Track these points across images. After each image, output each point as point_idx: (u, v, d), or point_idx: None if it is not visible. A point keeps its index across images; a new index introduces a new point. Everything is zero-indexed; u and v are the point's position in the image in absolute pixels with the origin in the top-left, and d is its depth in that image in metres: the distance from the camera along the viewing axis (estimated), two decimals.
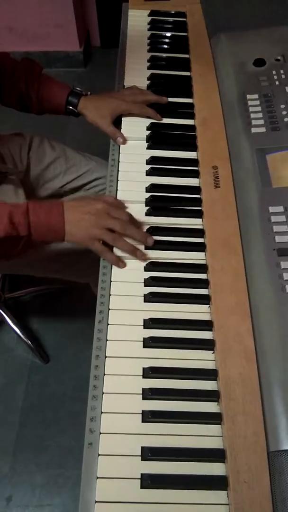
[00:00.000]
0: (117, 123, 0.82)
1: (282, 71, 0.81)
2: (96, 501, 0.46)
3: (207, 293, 0.61)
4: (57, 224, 0.64)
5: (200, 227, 0.68)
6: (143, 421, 0.50)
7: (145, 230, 0.67)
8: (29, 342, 1.30)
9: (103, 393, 0.52)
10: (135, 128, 0.81)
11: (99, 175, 1.01)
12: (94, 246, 0.64)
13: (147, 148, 0.79)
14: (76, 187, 1.01)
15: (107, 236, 0.64)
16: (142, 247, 0.65)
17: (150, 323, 0.58)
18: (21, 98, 0.87)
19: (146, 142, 0.80)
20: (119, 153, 0.78)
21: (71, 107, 0.85)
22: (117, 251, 0.65)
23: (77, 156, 1.01)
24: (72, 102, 0.84)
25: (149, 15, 1.03)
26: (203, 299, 0.60)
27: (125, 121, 0.82)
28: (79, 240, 0.65)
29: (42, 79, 0.86)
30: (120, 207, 0.69)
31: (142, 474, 0.47)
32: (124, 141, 0.79)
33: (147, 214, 0.69)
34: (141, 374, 0.54)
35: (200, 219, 0.69)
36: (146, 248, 0.65)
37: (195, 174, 0.74)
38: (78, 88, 0.85)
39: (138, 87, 0.86)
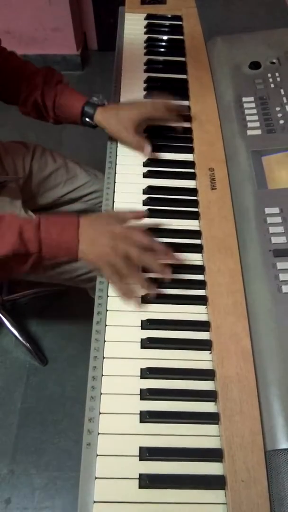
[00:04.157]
0: None
1: (277, 74, 0.82)
2: (94, 501, 0.46)
3: (204, 294, 0.61)
4: (69, 242, 0.60)
5: (197, 228, 0.68)
6: (141, 421, 0.51)
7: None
8: (28, 344, 1.30)
9: (101, 394, 0.52)
10: None
11: (98, 187, 1.02)
12: (104, 271, 0.61)
13: None
14: (75, 197, 1.02)
15: (120, 266, 0.59)
16: None
17: (147, 324, 0.58)
18: (37, 106, 0.85)
19: None
20: (116, 155, 0.78)
21: (87, 119, 0.81)
22: None
23: (78, 168, 1.02)
24: (87, 113, 0.80)
25: (145, 19, 1.04)
26: (200, 300, 0.61)
27: None
28: (92, 261, 0.61)
29: (60, 88, 0.83)
30: (140, 228, 0.64)
31: (140, 474, 0.48)
32: (150, 151, 0.76)
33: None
34: (139, 374, 0.54)
35: (197, 221, 0.69)
36: None
37: (191, 176, 0.75)
38: (95, 98, 0.81)
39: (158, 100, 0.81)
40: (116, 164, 0.77)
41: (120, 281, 0.60)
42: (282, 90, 0.79)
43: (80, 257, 0.61)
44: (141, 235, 0.61)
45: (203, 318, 0.59)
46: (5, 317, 1.33)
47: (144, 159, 0.77)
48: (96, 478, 0.47)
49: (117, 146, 0.80)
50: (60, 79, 0.85)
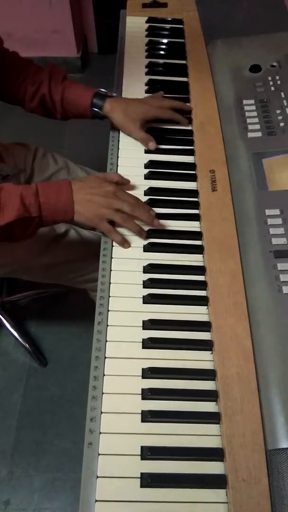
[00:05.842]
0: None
1: (277, 77, 0.82)
2: (96, 500, 0.46)
3: (205, 295, 0.62)
4: (66, 204, 0.65)
5: (198, 229, 0.69)
6: (142, 421, 0.51)
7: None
8: (27, 345, 1.30)
9: (102, 393, 0.53)
10: None
11: None
12: (102, 225, 0.66)
13: (145, 152, 0.80)
14: None
15: (117, 216, 0.66)
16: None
17: (149, 324, 0.58)
18: (44, 102, 0.86)
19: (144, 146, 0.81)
20: (118, 157, 0.79)
21: (96, 109, 0.82)
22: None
23: (79, 170, 1.03)
24: (97, 104, 0.81)
25: (146, 22, 1.05)
26: (201, 301, 0.61)
27: None
28: (88, 220, 0.66)
29: (67, 82, 0.85)
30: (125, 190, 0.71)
31: (141, 473, 0.48)
32: (156, 146, 0.79)
33: None
34: (141, 374, 0.54)
35: (198, 222, 0.70)
36: (145, 250, 0.66)
37: (192, 178, 0.75)
38: (103, 90, 0.83)
39: (161, 95, 0.85)
40: (117, 166, 0.77)
41: (116, 232, 0.66)
42: (282, 93, 0.80)
43: (76, 218, 0.66)
44: (128, 195, 0.68)
45: (204, 318, 0.60)
46: (4, 318, 1.33)
47: (146, 161, 0.78)
48: (97, 477, 0.47)
49: (118, 148, 0.80)
50: (65, 75, 0.86)
